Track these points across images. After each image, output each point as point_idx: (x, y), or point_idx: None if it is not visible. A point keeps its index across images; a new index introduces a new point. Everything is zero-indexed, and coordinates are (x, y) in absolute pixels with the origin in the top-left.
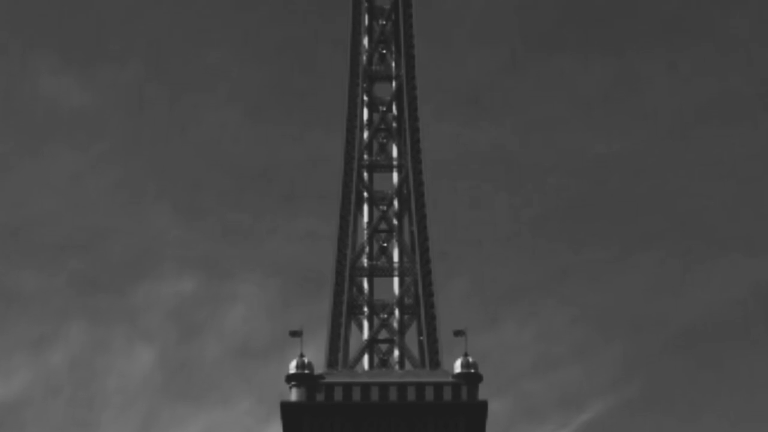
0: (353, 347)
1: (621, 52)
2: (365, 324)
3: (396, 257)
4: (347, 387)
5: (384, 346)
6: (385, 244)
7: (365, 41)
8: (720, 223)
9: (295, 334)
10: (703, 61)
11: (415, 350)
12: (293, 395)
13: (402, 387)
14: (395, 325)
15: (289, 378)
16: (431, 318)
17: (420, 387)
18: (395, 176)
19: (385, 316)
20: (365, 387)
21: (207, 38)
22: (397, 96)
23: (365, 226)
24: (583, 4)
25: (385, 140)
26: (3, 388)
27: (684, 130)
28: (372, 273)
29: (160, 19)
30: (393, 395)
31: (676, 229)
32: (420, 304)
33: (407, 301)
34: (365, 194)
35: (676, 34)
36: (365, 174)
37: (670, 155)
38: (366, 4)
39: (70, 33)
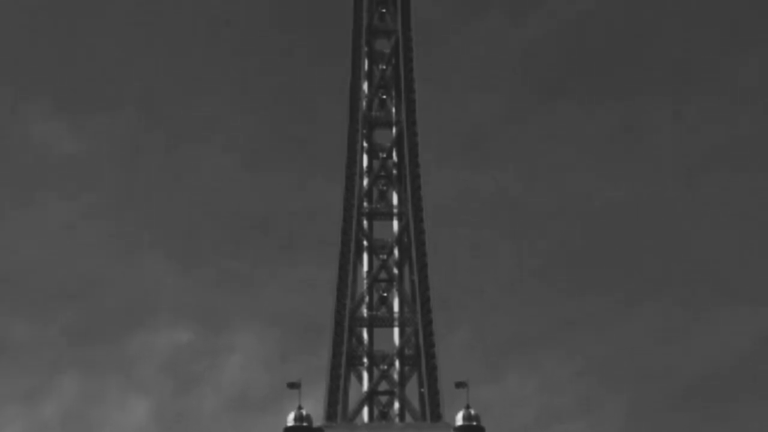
0: (353, 399)
1: (626, 98)
2: (365, 375)
3: (396, 307)
4: None
5: (384, 398)
6: (385, 294)
7: (365, 86)
8: (728, 272)
9: (293, 385)
10: (710, 107)
11: (415, 402)
12: None
13: None
14: (395, 376)
15: (288, 431)
16: (432, 369)
17: None
18: (395, 224)
19: (385, 367)
20: None
21: (203, 85)
22: (398, 142)
23: (365, 275)
24: (587, 50)
25: (385, 187)
26: None
27: (691, 176)
28: (372, 323)
29: (154, 66)
30: None
31: (683, 278)
32: (421, 355)
33: (408, 352)
34: (365, 243)
35: (683, 79)
36: (365, 222)
37: (676, 202)
38: (366, 49)
39: (62, 79)
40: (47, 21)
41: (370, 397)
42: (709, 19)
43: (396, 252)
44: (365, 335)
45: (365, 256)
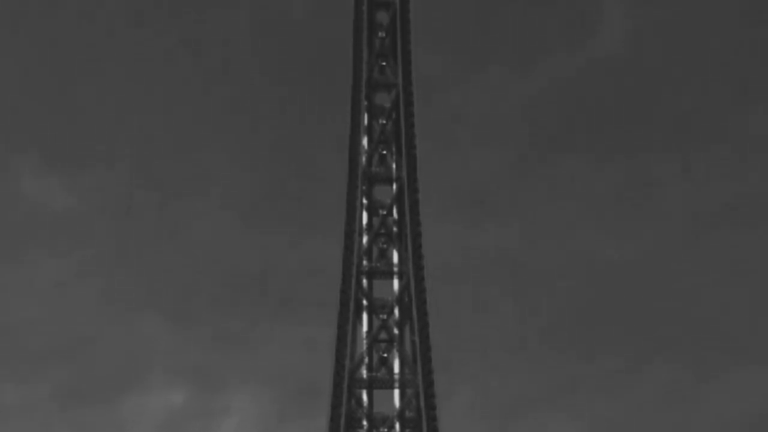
0: None
1: (633, 153)
2: None
3: (397, 368)
4: None
5: None
6: (385, 355)
7: (364, 141)
8: (737, 333)
9: None
10: (719, 162)
11: None
12: None
13: None
14: None
15: None
16: None
17: None
18: (396, 283)
19: (386, 430)
20: None
21: (198, 140)
22: (398, 199)
23: (364, 335)
24: (593, 104)
25: (385, 245)
26: None
27: (699, 234)
28: (371, 385)
29: (148, 120)
30: None
31: (691, 338)
32: (422, 418)
33: (409, 414)
34: (364, 302)
35: (691, 134)
36: (364, 281)
37: (684, 260)
38: (365, 103)
39: (53, 133)
40: (38, 74)
41: None
42: (718, 71)
43: (396, 311)
44: (365, 397)
45: (365, 316)
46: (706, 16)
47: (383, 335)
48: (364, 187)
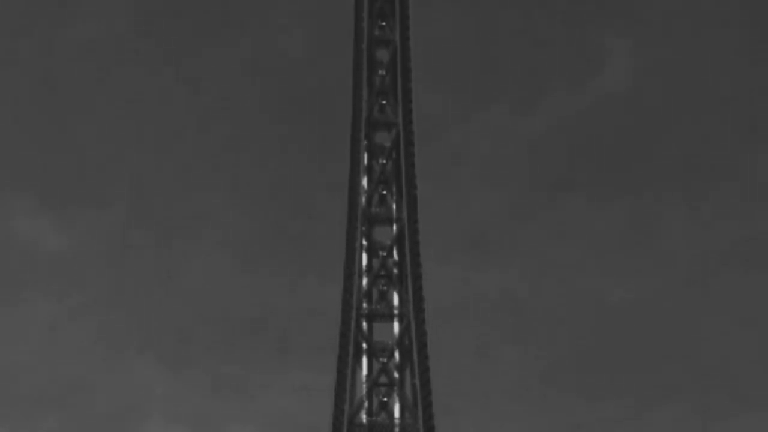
0: None
1: (638, 194)
2: None
3: (397, 413)
4: None
5: None
6: (385, 399)
7: (364, 181)
8: (744, 377)
9: None
10: (726, 203)
11: None
12: None
13: None
14: None
15: None
16: None
17: None
18: (396, 326)
19: None
20: None
21: (194, 180)
22: (399, 240)
23: (364, 379)
24: (596, 144)
25: (385, 287)
26: None
27: (705, 276)
28: (371, 430)
29: (144, 160)
30: None
31: (697, 383)
32: None
33: None
34: (364, 345)
35: (697, 174)
36: (364, 324)
37: (690, 303)
38: (365, 142)
39: (47, 173)
40: (32, 113)
41: None
42: (724, 110)
43: (396, 355)
44: None
45: (364, 359)
46: (712, 54)
47: (383, 379)
48: (363, 228)
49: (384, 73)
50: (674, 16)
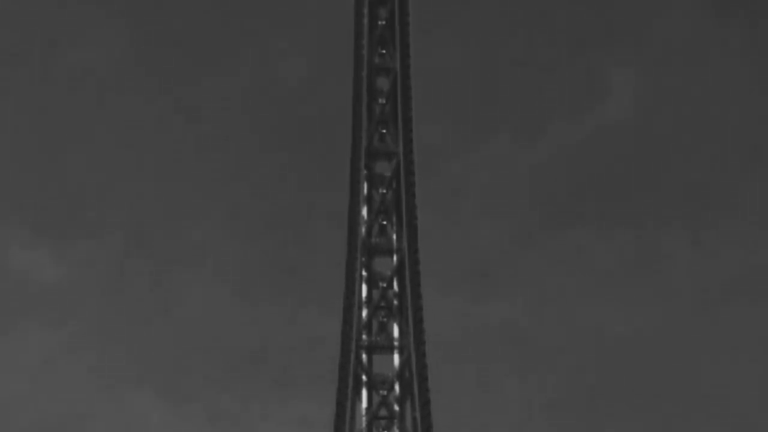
0: None
1: (641, 224)
2: None
3: None
4: None
5: None
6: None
7: (364, 212)
8: (751, 410)
9: None
10: (730, 233)
11: None
12: None
13: None
14: None
15: None
16: None
17: None
18: (396, 358)
19: None
20: None
21: (192, 210)
22: (399, 271)
23: (364, 412)
24: (599, 173)
25: (385, 319)
26: None
27: (710, 308)
28: None
29: (140, 189)
30: None
31: (703, 416)
32: None
33: None
34: (364, 378)
35: (701, 205)
36: (364, 356)
37: (694, 335)
38: (365, 172)
39: (42, 203)
40: (27, 142)
41: None
42: (729, 140)
43: (397, 388)
44: None
45: (364, 392)
46: (716, 83)
47: (383, 412)
48: (363, 259)
49: (384, 101)
50: (677, 44)
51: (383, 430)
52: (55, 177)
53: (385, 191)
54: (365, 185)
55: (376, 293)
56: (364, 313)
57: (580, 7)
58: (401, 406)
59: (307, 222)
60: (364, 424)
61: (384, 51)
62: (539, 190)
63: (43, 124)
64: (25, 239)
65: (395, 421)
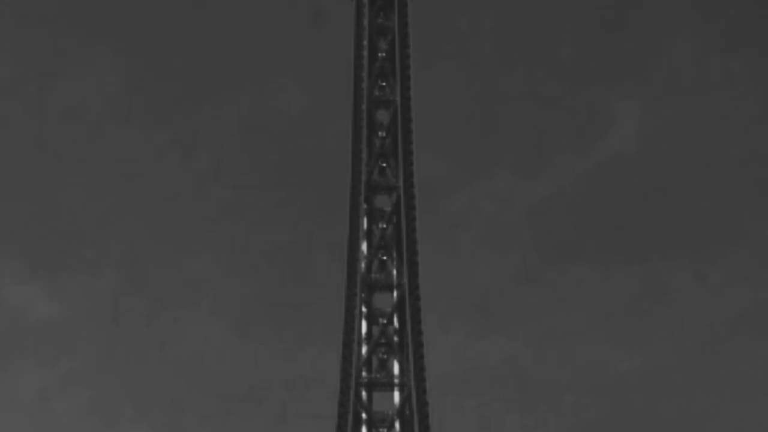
0: None
1: (645, 260)
2: None
3: None
4: None
5: None
6: None
7: (364, 247)
8: None
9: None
10: (736, 269)
11: None
12: None
13: None
14: None
15: None
16: None
17: None
18: (397, 395)
19: None
20: None
21: (189, 244)
22: (399, 307)
23: None
24: (603, 208)
25: (385, 356)
26: None
27: (714, 344)
28: None
29: (136, 223)
30: None
31: None
32: None
33: None
34: (364, 415)
35: (706, 240)
36: (364, 393)
37: (699, 372)
38: (365, 206)
39: (37, 237)
40: (22, 176)
41: None
42: (734, 174)
43: (397, 425)
44: None
45: (364, 430)
46: (721, 116)
47: None
48: (363, 295)
49: (384, 134)
50: (682, 76)
51: None
52: (50, 211)
53: (385, 226)
54: (365, 220)
55: (375, 329)
56: (364, 349)
57: (583, 39)
58: None
59: (305, 257)
60: None
61: (384, 83)
62: (541, 225)
63: (38, 158)
64: (20, 274)
65: None
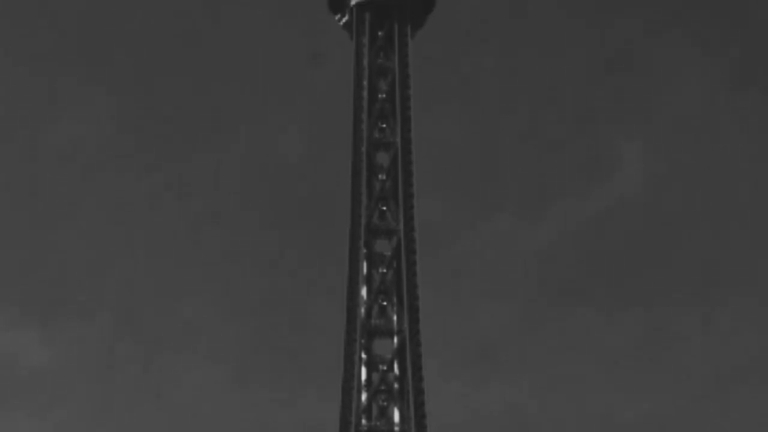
0: None
1: (651, 305)
2: None
3: None
4: None
5: None
6: None
7: (363, 292)
8: None
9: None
10: (744, 314)
11: None
12: None
13: None
14: None
15: None
16: None
17: None
18: None
19: None
20: None
21: (185, 290)
22: (399, 353)
23: None
24: (607, 252)
25: (385, 403)
26: None
27: (721, 391)
28: None
29: (131, 269)
30: None
31: None
32: None
33: None
34: None
35: (712, 284)
36: None
37: (705, 419)
38: (364, 250)
39: (30, 282)
40: (13, 220)
41: None
42: (741, 217)
43: None
44: None
45: None
46: (728, 158)
47: None
48: (362, 341)
49: (384, 177)
50: (687, 118)
51: None
52: (44, 255)
53: (385, 270)
54: (365, 264)
55: (375, 376)
56: (364, 396)
57: (586, 79)
58: None
59: (304, 302)
60: None
61: (384, 125)
62: (545, 269)
63: (31, 202)
64: (12, 321)
65: None
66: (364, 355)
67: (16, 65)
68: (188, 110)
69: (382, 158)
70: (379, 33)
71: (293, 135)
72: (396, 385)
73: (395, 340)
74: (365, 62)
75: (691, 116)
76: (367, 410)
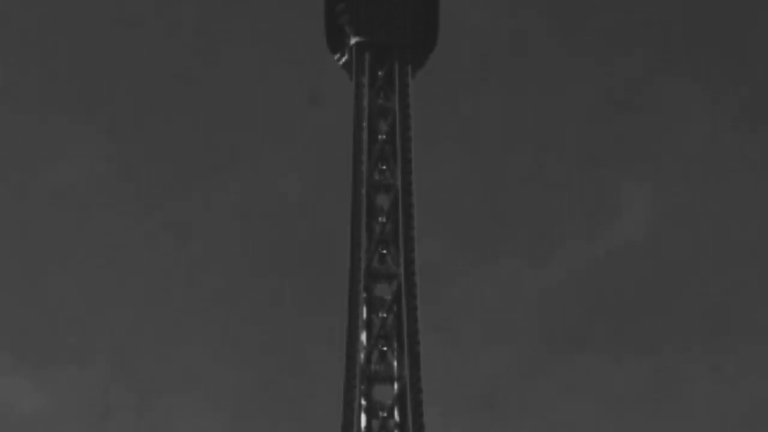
0: None
1: (657, 350)
2: None
3: None
4: None
5: None
6: None
7: (363, 337)
8: None
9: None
10: (750, 360)
11: None
12: None
13: None
14: None
15: None
16: None
17: None
18: None
19: None
20: None
21: (181, 334)
22: (400, 400)
23: None
24: (612, 297)
25: None
26: None
27: None
28: None
29: (127, 313)
30: None
31: None
32: None
33: None
34: None
35: (720, 330)
36: None
37: None
38: (364, 295)
39: (23, 327)
40: (5, 264)
41: None
42: (748, 261)
43: None
44: None
45: None
46: (737, 201)
47: None
48: (362, 387)
49: (384, 220)
50: (695, 159)
51: None
52: (37, 300)
53: (385, 315)
54: (364, 309)
55: (375, 423)
56: None
57: (591, 120)
58: None
59: (302, 347)
60: None
61: (384, 167)
62: (548, 314)
63: (23, 245)
64: (5, 366)
65: None
66: (363, 402)
67: (9, 104)
68: (185, 151)
69: (383, 200)
70: (379, 73)
71: (292, 177)
72: None
73: (395, 386)
74: (365, 103)
75: (698, 157)
76: None
